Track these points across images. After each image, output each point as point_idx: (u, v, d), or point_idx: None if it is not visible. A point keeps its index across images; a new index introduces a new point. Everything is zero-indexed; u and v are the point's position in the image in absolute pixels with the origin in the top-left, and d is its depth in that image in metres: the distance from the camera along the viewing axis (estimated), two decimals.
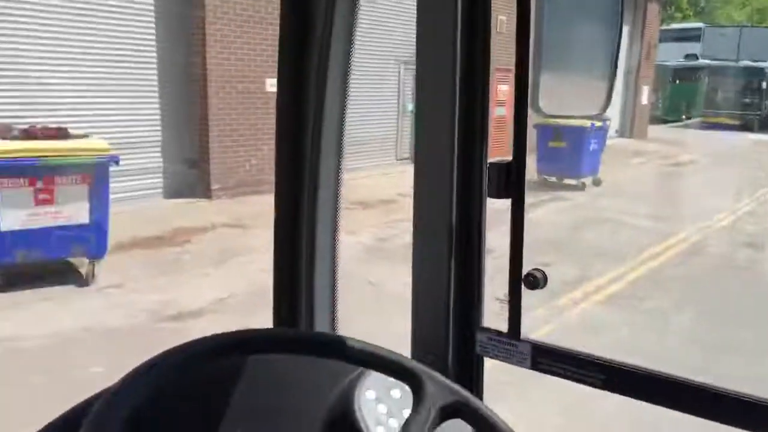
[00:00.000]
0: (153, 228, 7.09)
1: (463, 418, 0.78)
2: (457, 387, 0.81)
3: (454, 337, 1.15)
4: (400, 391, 0.94)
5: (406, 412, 0.87)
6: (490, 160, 1.09)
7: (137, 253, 6.46)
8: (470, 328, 1.15)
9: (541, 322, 4.66)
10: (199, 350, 0.75)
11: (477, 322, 1.15)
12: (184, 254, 6.53)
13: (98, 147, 5.52)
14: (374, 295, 5.21)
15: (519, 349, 1.09)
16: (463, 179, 1.10)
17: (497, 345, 1.12)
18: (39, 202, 5.25)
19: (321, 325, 1.25)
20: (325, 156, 1.27)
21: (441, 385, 0.79)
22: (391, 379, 0.92)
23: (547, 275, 1.08)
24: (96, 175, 5.44)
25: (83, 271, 5.65)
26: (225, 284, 5.61)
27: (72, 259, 5.76)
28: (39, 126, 5.76)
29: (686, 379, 0.97)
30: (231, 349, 0.78)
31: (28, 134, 5.48)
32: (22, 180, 5.16)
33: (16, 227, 5.19)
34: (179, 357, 0.73)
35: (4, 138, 5.35)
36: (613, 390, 1.01)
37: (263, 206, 7.84)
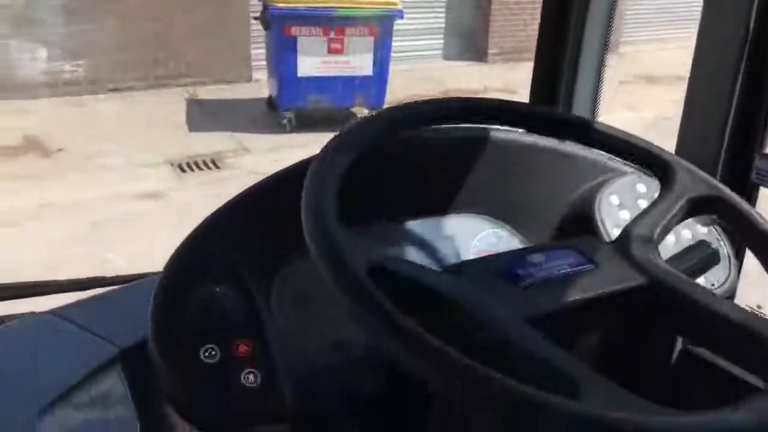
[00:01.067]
0: (428, 87, 7.31)
1: (716, 214, 0.71)
2: (714, 181, 0.73)
3: (726, 161, 1.03)
4: (647, 203, 0.88)
5: None
6: None
7: None
8: (748, 152, 1.01)
9: None
10: (429, 111, 0.72)
11: (759, 146, 1.01)
12: None
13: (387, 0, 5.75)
14: None
15: None
16: None
17: None
18: (331, 51, 5.68)
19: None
20: (591, 24, 1.19)
21: (695, 176, 0.71)
22: (642, 189, 0.90)
23: None
24: (382, 29, 5.71)
25: None
26: None
27: (354, 110, 6.20)
28: None
29: None
30: (473, 112, 0.74)
31: None
32: (317, 29, 5.59)
33: (311, 74, 5.71)
34: (412, 111, 0.70)
35: None
36: None
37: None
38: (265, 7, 5.59)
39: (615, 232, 0.83)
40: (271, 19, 5.53)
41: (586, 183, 0.91)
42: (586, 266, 0.64)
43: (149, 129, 5.70)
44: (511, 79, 7.64)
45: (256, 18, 5.91)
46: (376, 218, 0.78)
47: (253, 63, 7.11)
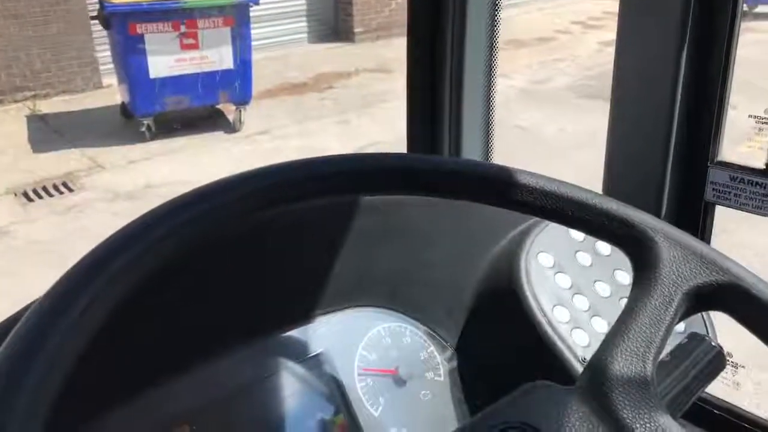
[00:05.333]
0: (297, 73, 6.95)
1: (728, 312, 0.46)
2: (716, 254, 0.47)
3: (672, 176, 0.77)
4: (591, 257, 0.64)
5: (602, 287, 0.61)
6: None
7: (282, 99, 6.37)
8: (698, 163, 0.75)
9: None
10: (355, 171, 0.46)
11: (710, 155, 0.76)
12: (328, 100, 6.37)
13: None
14: (525, 142, 4.80)
15: None
16: None
17: (745, 188, 0.72)
18: (184, 47, 5.19)
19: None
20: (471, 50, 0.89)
21: (688, 251, 0.46)
22: (579, 237, 0.64)
23: None
24: (237, 17, 5.28)
25: (230, 117, 5.66)
26: (369, 131, 5.42)
27: (220, 106, 5.76)
28: None
29: None
30: (396, 179, 0.48)
31: None
32: (165, 24, 5.08)
33: (165, 74, 5.19)
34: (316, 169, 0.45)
35: None
36: None
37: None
38: (102, 4, 5.00)
39: (557, 314, 0.58)
40: (110, 17, 4.96)
41: (499, 239, 0.65)
42: None
43: None
44: (382, 58, 7.41)
45: (93, 18, 5.31)
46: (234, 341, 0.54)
47: (102, 67, 6.47)
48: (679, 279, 0.45)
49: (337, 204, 0.60)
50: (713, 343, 0.50)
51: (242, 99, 5.55)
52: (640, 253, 0.47)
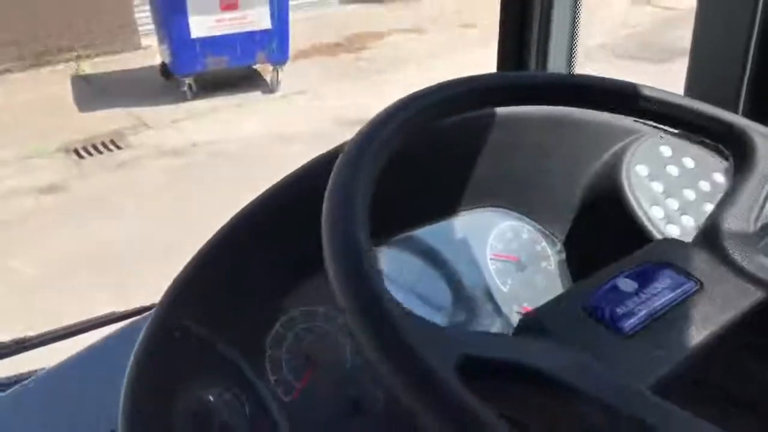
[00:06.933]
0: (331, 34, 7.02)
1: None
2: None
3: (743, 109, 0.90)
4: (678, 169, 0.76)
5: (689, 193, 0.74)
6: None
7: (317, 59, 6.47)
8: None
9: None
10: (458, 92, 0.58)
11: None
12: (362, 60, 6.46)
13: None
14: None
15: None
16: None
17: None
18: (224, 8, 5.29)
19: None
20: None
21: None
22: (667, 153, 0.78)
23: None
24: None
25: (268, 78, 5.78)
26: (405, 91, 5.51)
27: (257, 67, 5.87)
28: None
29: None
30: (495, 93, 0.60)
31: None
32: None
33: (205, 34, 5.31)
34: (433, 98, 0.56)
35: None
36: None
37: (438, 9, 7.47)
38: None
39: (654, 212, 0.72)
40: None
41: (602, 153, 0.78)
42: (688, 286, 0.50)
43: (35, 114, 5.20)
44: (414, 18, 7.44)
45: None
46: (379, 231, 0.63)
47: (140, 28, 6.59)
48: None
49: (474, 120, 0.74)
50: None
51: (279, 59, 5.65)
52: (739, 146, 0.60)
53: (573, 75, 0.88)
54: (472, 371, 0.40)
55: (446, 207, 0.77)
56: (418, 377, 0.38)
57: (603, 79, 0.62)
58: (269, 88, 5.72)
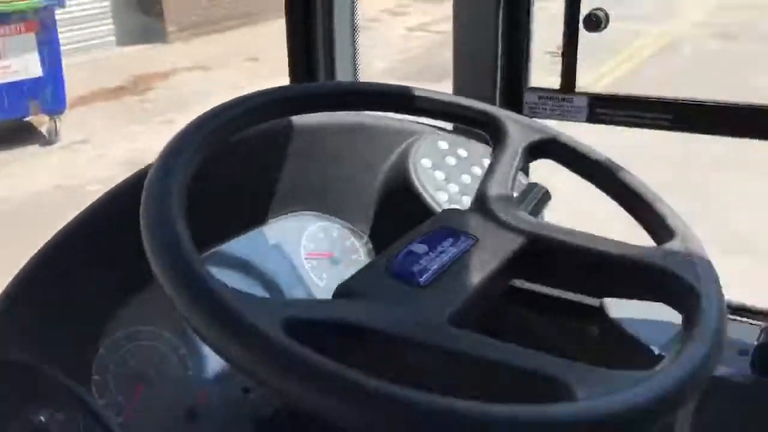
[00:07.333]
0: (113, 77, 6.69)
1: (551, 157, 0.73)
2: (540, 124, 0.75)
3: (499, 101, 1.07)
4: (455, 159, 0.90)
5: (465, 177, 0.89)
6: None
7: (100, 105, 6.12)
8: (517, 89, 1.06)
9: None
10: (251, 106, 0.63)
11: (524, 82, 1.07)
12: (148, 102, 6.21)
13: None
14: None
15: (574, 103, 1.01)
16: None
17: (548, 103, 1.03)
18: None
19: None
20: None
21: (524, 124, 0.73)
22: (444, 146, 0.91)
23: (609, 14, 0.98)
24: (42, 22, 5.00)
25: (44, 129, 5.35)
26: None
27: (30, 119, 5.43)
28: None
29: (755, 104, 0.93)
30: (286, 104, 0.67)
31: None
32: None
33: None
34: (230, 113, 0.61)
35: None
36: (682, 129, 0.98)
37: (224, 46, 7.42)
38: None
39: (439, 196, 0.85)
40: None
41: (391, 152, 0.90)
42: (466, 243, 0.61)
43: None
44: (200, 56, 7.30)
45: None
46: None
47: None
48: (520, 139, 0.70)
49: (275, 130, 0.81)
50: (543, 186, 0.80)
51: (55, 108, 5.26)
52: (495, 130, 0.72)
53: (360, 82, 1.02)
54: (298, 333, 0.43)
55: (255, 217, 0.82)
56: (249, 338, 0.41)
57: (386, 84, 0.72)
58: (47, 140, 5.30)
